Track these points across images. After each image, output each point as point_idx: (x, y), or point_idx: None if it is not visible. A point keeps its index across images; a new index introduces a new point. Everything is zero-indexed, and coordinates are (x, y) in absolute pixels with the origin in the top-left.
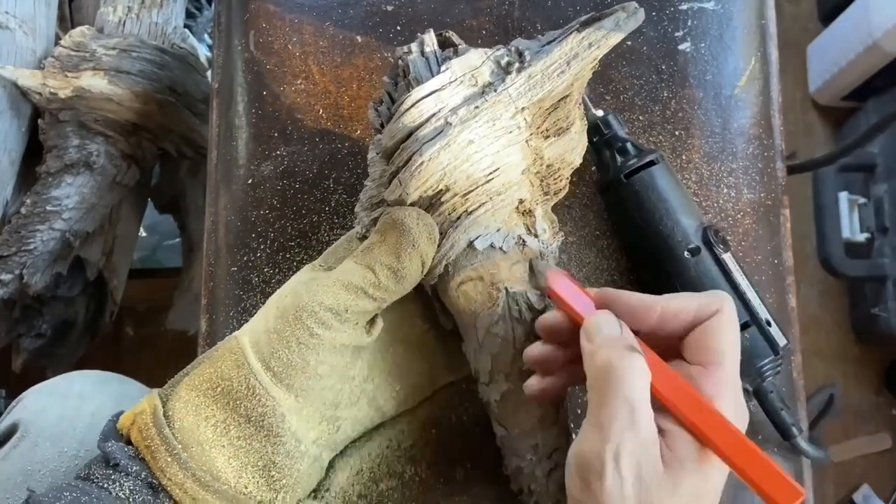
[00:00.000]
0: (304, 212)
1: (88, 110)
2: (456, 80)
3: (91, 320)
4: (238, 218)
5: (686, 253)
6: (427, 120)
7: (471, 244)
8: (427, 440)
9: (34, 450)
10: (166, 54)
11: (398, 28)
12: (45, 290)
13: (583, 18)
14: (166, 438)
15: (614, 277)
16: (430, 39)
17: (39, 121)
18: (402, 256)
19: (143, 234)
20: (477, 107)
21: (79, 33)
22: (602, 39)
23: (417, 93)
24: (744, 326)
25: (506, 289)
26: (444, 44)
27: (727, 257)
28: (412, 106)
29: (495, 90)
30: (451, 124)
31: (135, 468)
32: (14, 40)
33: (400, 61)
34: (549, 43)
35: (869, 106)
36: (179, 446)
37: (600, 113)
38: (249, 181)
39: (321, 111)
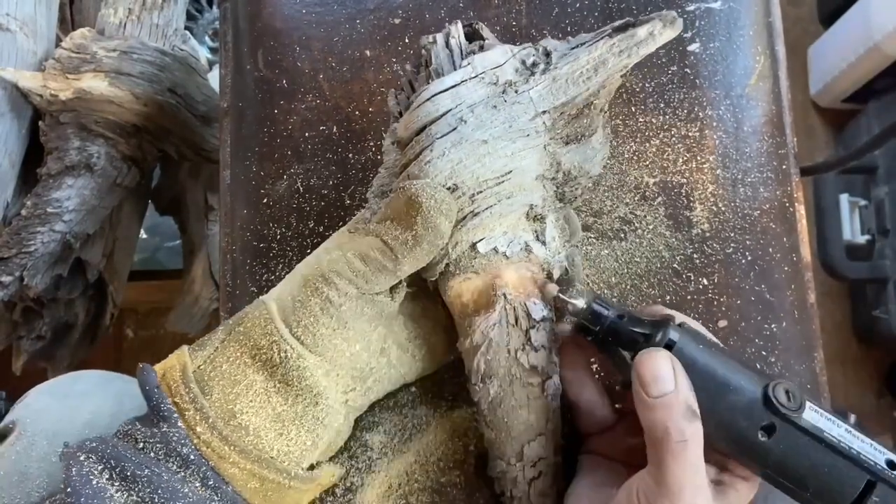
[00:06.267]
0: (321, 229)
1: (89, 112)
2: (476, 76)
3: (91, 322)
4: (255, 237)
5: (761, 435)
6: (442, 115)
7: (473, 246)
8: (455, 450)
9: (31, 448)
10: (167, 56)
11: (406, 41)
12: (46, 292)
13: (616, 24)
14: (195, 397)
15: (634, 282)
16: (457, 31)
17: (40, 123)
18: (416, 232)
19: (144, 236)
20: (495, 106)
21: (79, 35)
22: (634, 48)
23: (435, 86)
24: (866, 490)
25: (504, 294)
26: (472, 36)
27: (811, 416)
28: (428, 99)
29: (516, 91)
30: (465, 122)
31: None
32: (15, 42)
33: (423, 50)
34: (578, 46)
35: (870, 108)
36: (207, 404)
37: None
38: (265, 200)
39: (334, 127)
